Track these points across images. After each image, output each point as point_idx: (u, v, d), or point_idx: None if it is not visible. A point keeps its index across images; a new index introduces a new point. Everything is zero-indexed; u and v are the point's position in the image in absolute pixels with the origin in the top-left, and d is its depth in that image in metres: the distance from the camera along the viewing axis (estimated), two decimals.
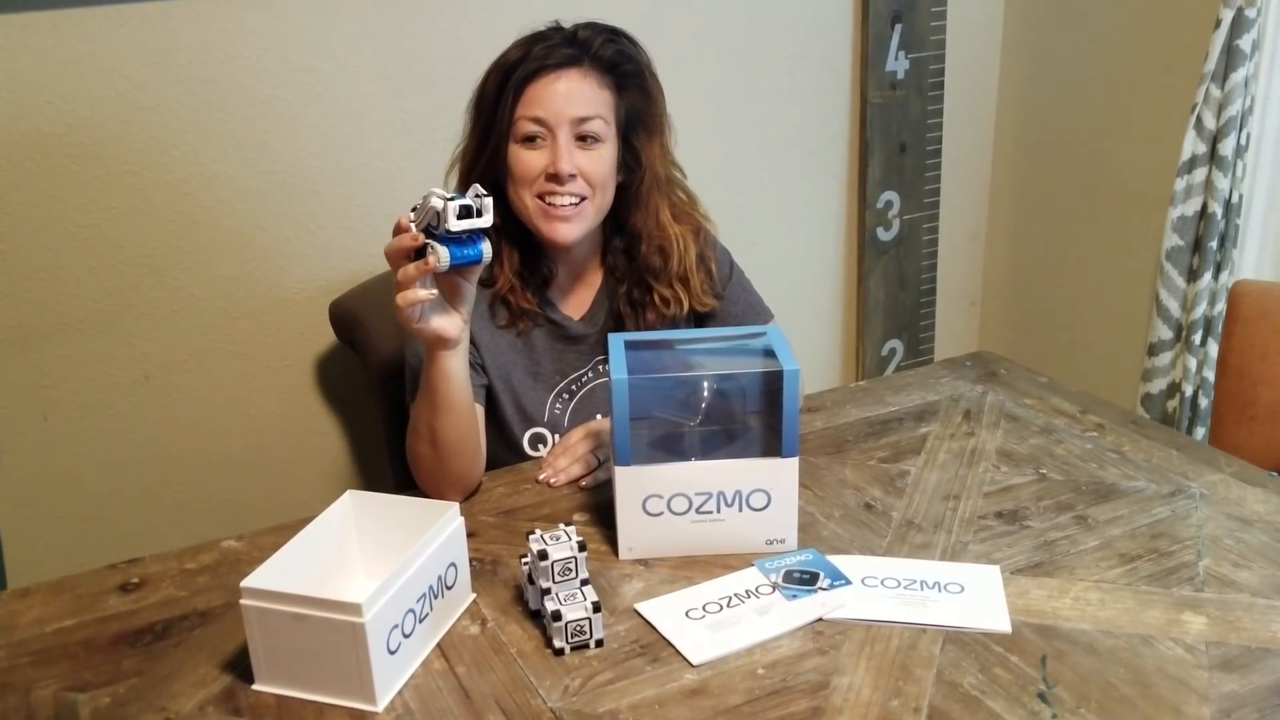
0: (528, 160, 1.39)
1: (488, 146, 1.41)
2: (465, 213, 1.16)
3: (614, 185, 1.45)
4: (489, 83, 1.42)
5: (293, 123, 1.91)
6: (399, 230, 1.19)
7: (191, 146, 1.85)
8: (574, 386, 1.51)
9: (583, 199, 1.40)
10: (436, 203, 1.16)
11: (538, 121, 1.38)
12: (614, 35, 1.44)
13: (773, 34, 2.34)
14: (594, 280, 1.53)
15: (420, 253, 1.18)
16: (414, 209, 1.20)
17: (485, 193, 1.17)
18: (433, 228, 1.18)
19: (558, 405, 1.51)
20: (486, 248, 1.21)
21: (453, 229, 1.16)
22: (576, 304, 1.53)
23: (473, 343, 1.39)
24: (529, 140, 1.39)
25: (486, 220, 1.17)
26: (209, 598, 1.19)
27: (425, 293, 1.20)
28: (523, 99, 1.38)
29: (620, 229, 1.50)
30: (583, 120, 1.38)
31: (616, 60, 1.42)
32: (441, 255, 1.17)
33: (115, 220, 1.82)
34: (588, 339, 1.52)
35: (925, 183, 2.60)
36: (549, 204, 1.39)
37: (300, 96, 1.90)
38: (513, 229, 1.45)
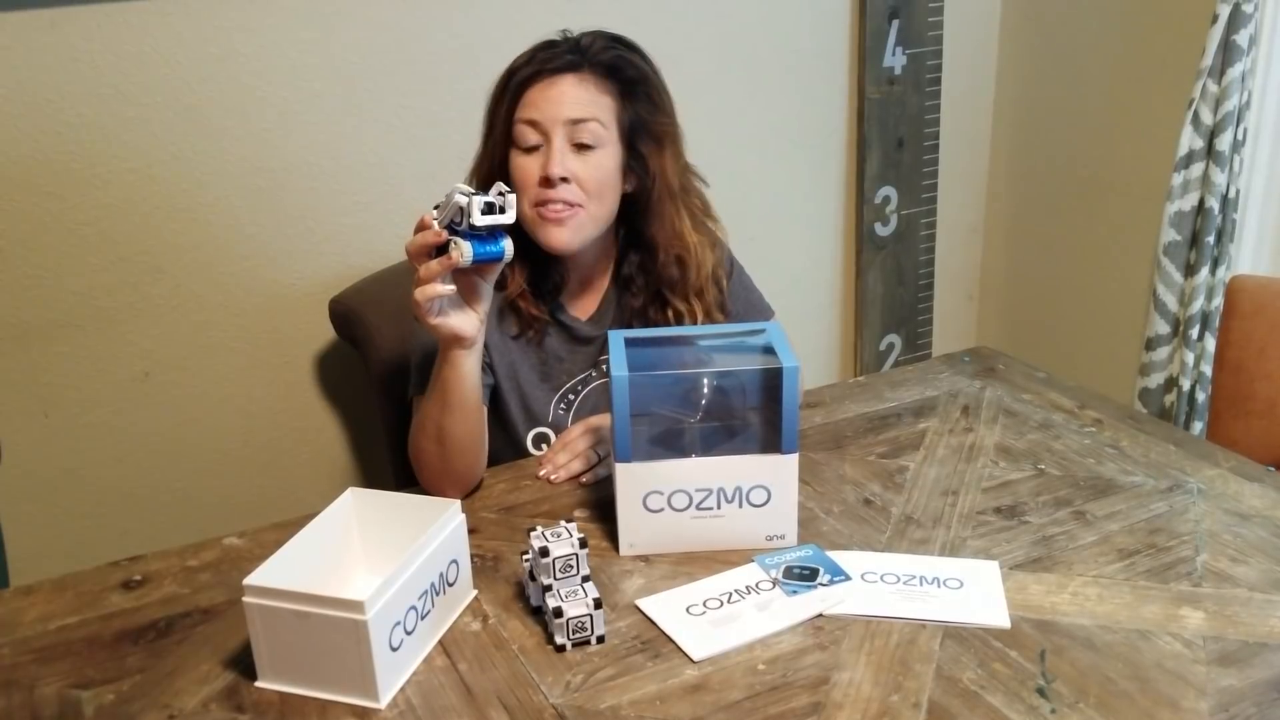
0: (525, 166, 1.38)
1: (494, 156, 1.41)
2: (489, 209, 1.16)
3: (616, 195, 1.43)
4: (495, 90, 1.42)
5: (291, 120, 1.91)
6: (421, 227, 1.19)
7: (190, 144, 1.85)
8: (579, 387, 1.51)
9: (576, 205, 1.39)
10: (460, 199, 1.16)
11: (532, 124, 1.37)
12: (614, 42, 1.43)
13: (771, 30, 2.34)
14: (602, 284, 1.53)
15: (443, 250, 1.19)
16: (436, 207, 1.20)
17: (509, 189, 1.18)
18: (455, 224, 1.18)
19: (561, 406, 1.51)
20: (508, 245, 1.21)
21: (477, 224, 1.16)
22: (584, 306, 1.52)
23: None
24: (529, 149, 1.38)
25: (510, 217, 1.17)
26: (211, 595, 1.19)
27: (444, 287, 1.20)
28: (520, 103, 1.38)
29: (637, 242, 1.49)
30: (577, 122, 1.37)
31: (615, 64, 1.41)
32: (465, 250, 1.17)
33: (114, 217, 1.83)
34: (595, 341, 1.51)
35: (923, 178, 2.61)
36: (542, 209, 1.38)
37: (299, 93, 1.90)
38: (523, 239, 1.44)
